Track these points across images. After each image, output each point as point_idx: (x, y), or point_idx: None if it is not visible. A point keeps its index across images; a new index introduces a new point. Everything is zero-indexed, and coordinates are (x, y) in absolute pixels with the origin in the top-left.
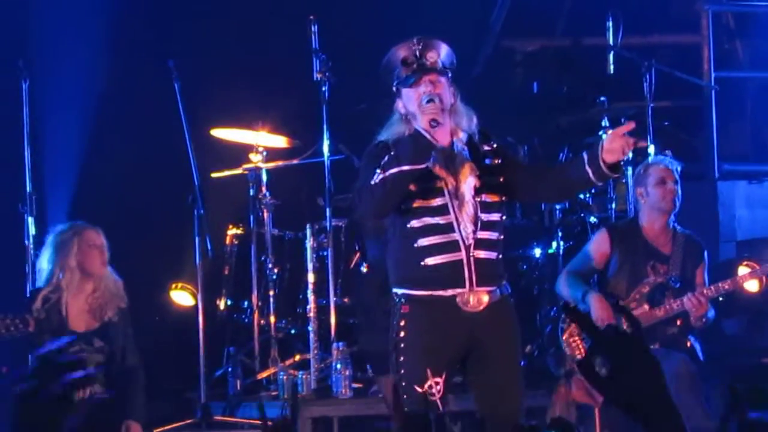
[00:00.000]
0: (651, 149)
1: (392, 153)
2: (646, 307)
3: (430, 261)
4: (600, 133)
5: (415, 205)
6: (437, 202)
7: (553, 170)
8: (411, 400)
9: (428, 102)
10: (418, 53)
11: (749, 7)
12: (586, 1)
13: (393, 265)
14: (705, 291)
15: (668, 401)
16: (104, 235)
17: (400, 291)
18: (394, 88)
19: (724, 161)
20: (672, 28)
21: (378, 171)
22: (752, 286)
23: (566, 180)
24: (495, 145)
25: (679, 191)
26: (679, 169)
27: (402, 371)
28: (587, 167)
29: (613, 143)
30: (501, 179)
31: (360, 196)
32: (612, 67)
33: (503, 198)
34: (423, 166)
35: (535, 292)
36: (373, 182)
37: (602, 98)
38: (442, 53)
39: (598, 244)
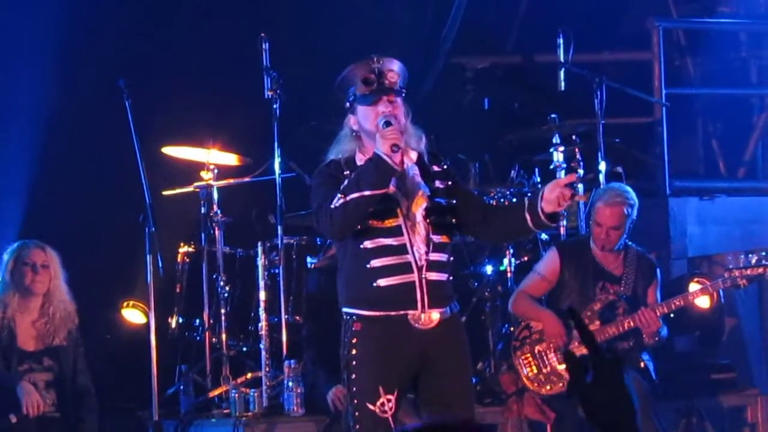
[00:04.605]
0: (602, 166)
1: (352, 177)
2: (598, 323)
3: (383, 282)
4: (551, 150)
5: (368, 225)
6: (391, 223)
7: (495, 212)
8: (363, 417)
9: (386, 125)
10: (377, 71)
11: (700, 24)
12: (536, 18)
13: (344, 285)
14: (657, 307)
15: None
16: (53, 256)
17: (351, 311)
18: (347, 104)
19: (675, 178)
20: (623, 45)
21: (339, 195)
22: (703, 302)
23: (507, 225)
24: (445, 167)
25: (622, 232)
26: (630, 208)
27: (354, 389)
28: (526, 213)
29: (552, 193)
30: (451, 201)
31: (318, 218)
32: (563, 83)
33: (453, 220)
34: (383, 191)
35: (486, 309)
36: (333, 206)
37: (553, 115)
38: (399, 73)
39: (549, 263)
